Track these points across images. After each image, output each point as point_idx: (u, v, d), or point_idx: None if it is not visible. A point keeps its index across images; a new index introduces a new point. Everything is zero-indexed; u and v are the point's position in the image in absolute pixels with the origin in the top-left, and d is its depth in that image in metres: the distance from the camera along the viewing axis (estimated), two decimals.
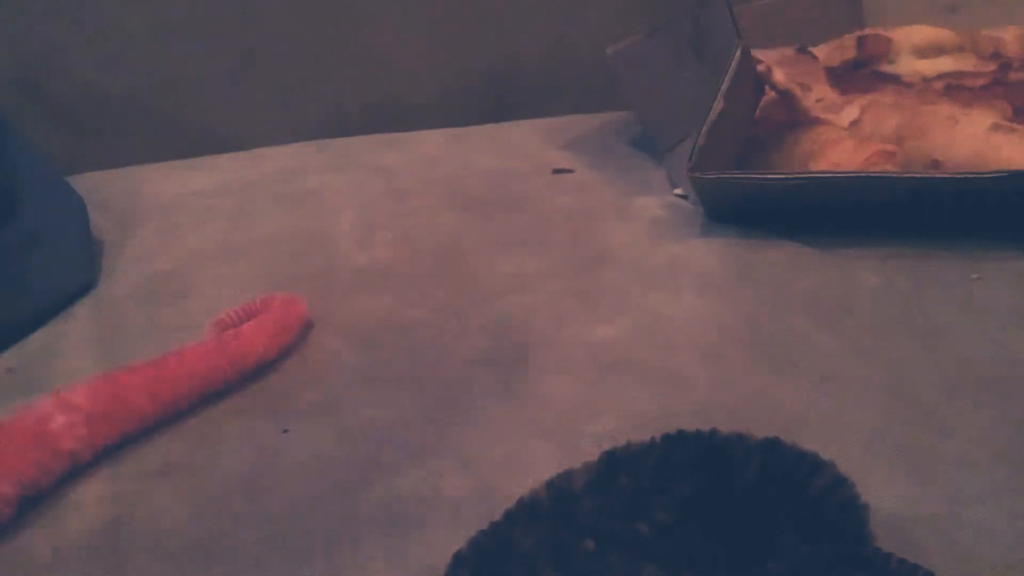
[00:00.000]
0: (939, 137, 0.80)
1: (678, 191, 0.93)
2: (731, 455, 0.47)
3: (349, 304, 0.77)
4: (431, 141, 1.16)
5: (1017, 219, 0.74)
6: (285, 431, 0.62)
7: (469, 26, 1.31)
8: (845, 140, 0.83)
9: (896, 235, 0.78)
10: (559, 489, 0.46)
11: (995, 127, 0.78)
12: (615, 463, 0.47)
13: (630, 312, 0.71)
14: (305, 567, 0.51)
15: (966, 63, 0.99)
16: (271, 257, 0.87)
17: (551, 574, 0.44)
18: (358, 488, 0.56)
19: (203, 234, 0.92)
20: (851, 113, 0.88)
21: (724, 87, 0.80)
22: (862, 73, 1.00)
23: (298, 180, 1.05)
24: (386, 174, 1.05)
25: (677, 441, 0.48)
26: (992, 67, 0.97)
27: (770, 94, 0.89)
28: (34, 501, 0.57)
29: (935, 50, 1.02)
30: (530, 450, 0.58)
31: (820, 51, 1.05)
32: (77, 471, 0.59)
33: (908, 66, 1.00)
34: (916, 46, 1.02)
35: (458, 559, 0.44)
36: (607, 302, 0.74)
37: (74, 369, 0.71)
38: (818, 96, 0.94)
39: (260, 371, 0.68)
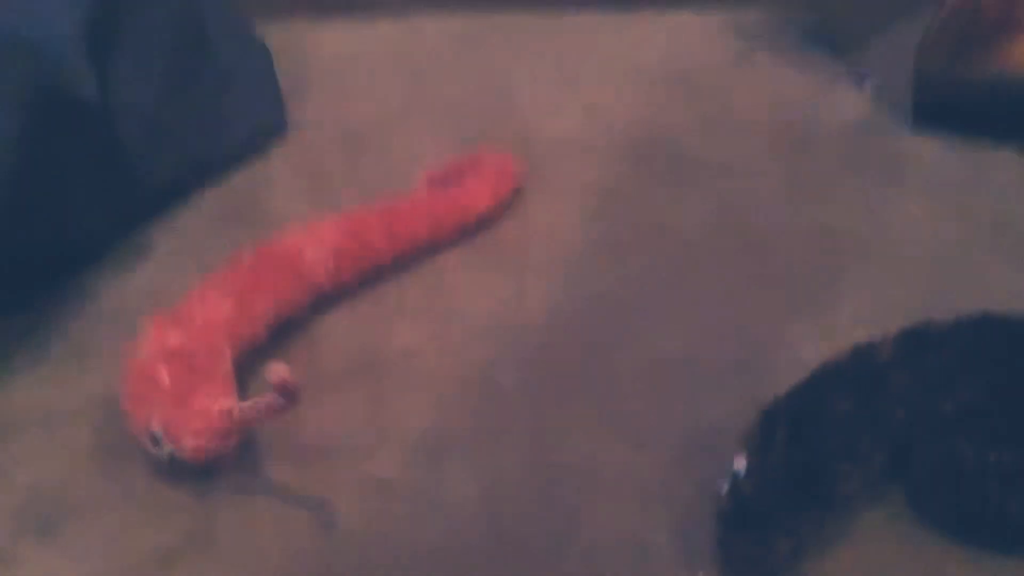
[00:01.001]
0: None
1: (869, 86, 0.90)
2: None
3: (555, 171, 0.76)
4: (589, 22, 1.13)
5: None
6: None
7: None
8: None
9: None
10: (865, 359, 0.46)
11: None
12: (920, 340, 0.46)
13: (856, 200, 0.70)
14: (573, 411, 0.51)
15: None
16: (459, 120, 0.85)
17: (866, 437, 0.44)
18: (611, 347, 0.56)
19: (383, 92, 0.91)
20: None
21: None
22: None
23: (466, 49, 1.02)
24: (555, 51, 1.02)
25: (984, 323, 0.47)
26: None
27: None
28: (284, 329, 0.57)
29: None
30: (784, 324, 0.57)
31: None
32: (321, 305, 0.59)
33: None
34: None
35: (769, 415, 0.43)
36: (825, 190, 0.72)
37: (286, 208, 0.71)
38: None
39: (479, 228, 0.68)
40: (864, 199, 0.70)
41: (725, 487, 0.42)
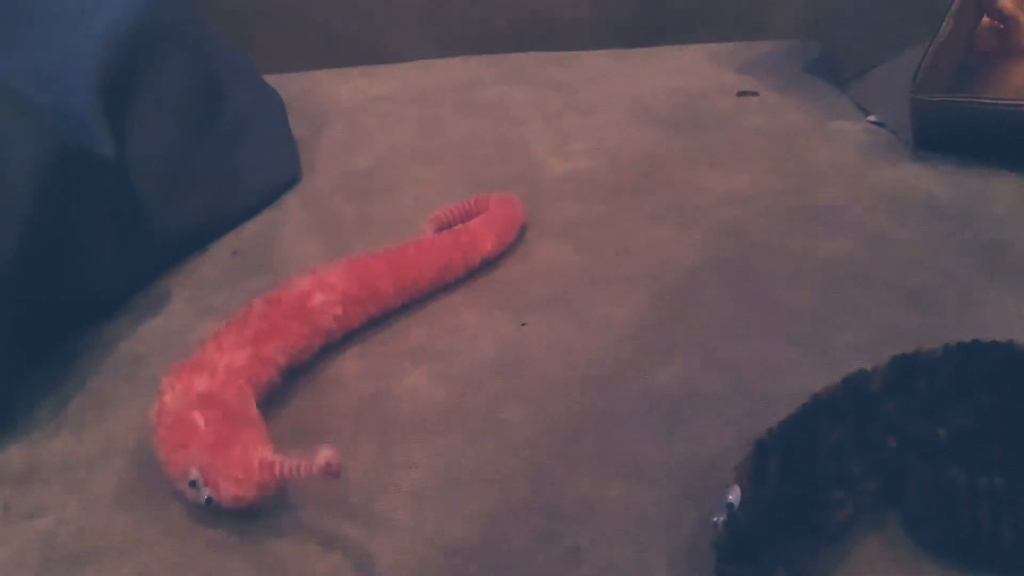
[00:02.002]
0: None
1: (872, 118, 0.91)
2: None
3: (559, 209, 0.77)
4: (597, 60, 1.15)
5: None
6: (524, 324, 0.63)
7: None
8: None
9: None
10: (857, 388, 0.47)
11: None
12: (911, 367, 0.47)
13: (856, 230, 0.71)
14: (575, 447, 0.52)
15: None
16: (467, 161, 0.88)
17: (858, 465, 0.44)
18: (611, 380, 0.57)
19: (394, 137, 0.93)
20: None
21: (955, 7, 0.77)
22: None
23: (476, 91, 1.05)
24: (564, 89, 1.04)
25: (975, 350, 0.47)
26: None
27: (984, 21, 0.86)
28: (295, 374, 0.59)
29: None
30: (782, 354, 0.58)
31: None
32: (330, 348, 0.61)
33: None
34: None
35: (762, 447, 0.44)
36: (828, 219, 0.73)
37: (299, 255, 0.73)
38: None
39: (484, 267, 0.69)
40: (864, 228, 0.71)
41: (721, 519, 0.43)
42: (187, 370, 0.53)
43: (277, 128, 0.89)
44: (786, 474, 0.43)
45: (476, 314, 0.64)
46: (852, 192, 0.76)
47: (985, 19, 0.86)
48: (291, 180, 0.84)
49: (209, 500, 0.47)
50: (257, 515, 0.49)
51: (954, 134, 0.79)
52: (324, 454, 0.44)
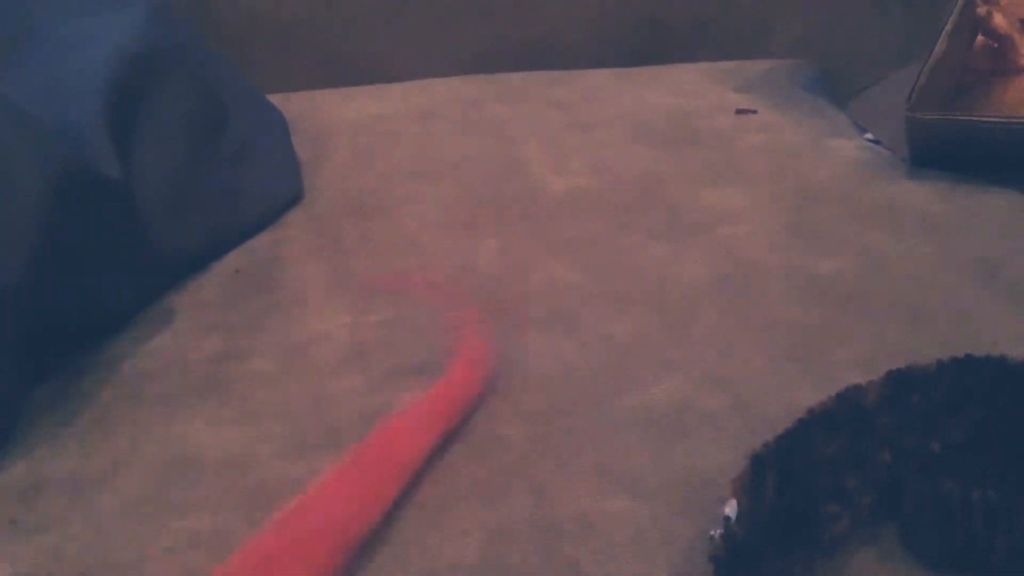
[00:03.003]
0: None
1: (869, 136, 0.92)
2: None
3: (559, 226, 0.78)
4: (597, 79, 1.16)
5: None
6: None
7: None
8: None
9: None
10: (851, 403, 0.47)
11: None
12: (905, 382, 0.48)
13: (852, 247, 0.71)
14: (574, 462, 0.53)
15: None
16: (468, 180, 0.88)
17: (854, 479, 0.45)
18: (611, 396, 0.58)
19: (395, 156, 0.94)
20: None
21: (949, 27, 0.78)
22: None
23: (475, 110, 1.06)
24: (564, 108, 1.05)
25: (968, 365, 0.48)
26: None
27: (979, 41, 0.87)
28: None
29: None
30: (779, 370, 0.59)
31: None
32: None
33: None
34: None
35: (758, 461, 0.45)
36: (825, 237, 0.73)
37: (301, 273, 0.74)
38: None
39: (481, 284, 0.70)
40: (861, 245, 0.72)
41: (718, 532, 0.43)
42: None
43: (280, 147, 0.90)
44: (782, 488, 0.44)
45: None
46: (849, 209, 0.77)
47: (980, 38, 0.87)
48: (294, 199, 0.85)
49: None
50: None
51: (949, 152, 0.80)
52: None
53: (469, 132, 0.99)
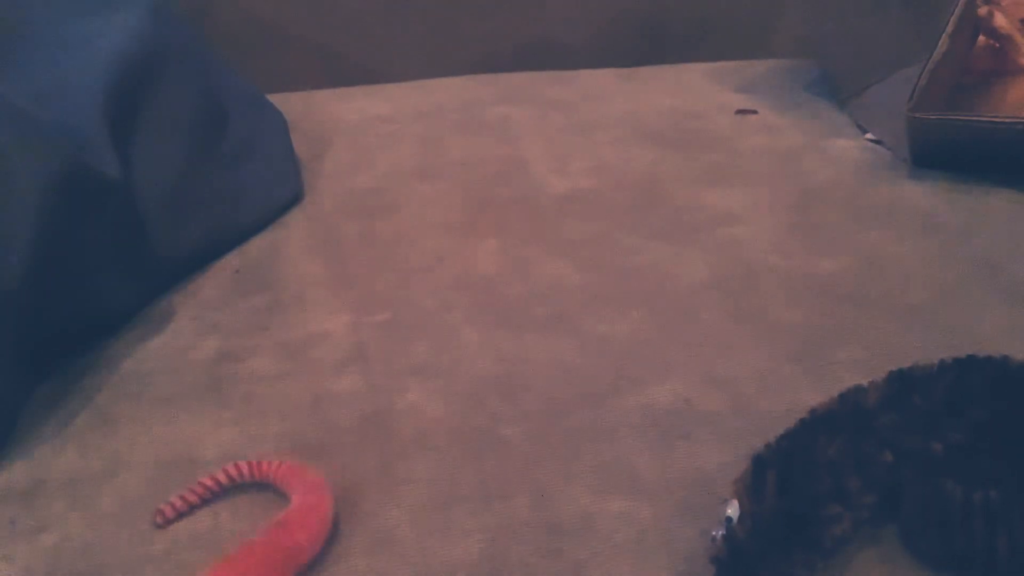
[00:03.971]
0: None
1: (870, 136, 0.92)
2: None
3: (560, 227, 0.78)
4: (598, 79, 1.16)
5: None
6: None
7: None
8: None
9: None
10: (853, 403, 0.47)
11: None
12: (906, 383, 0.48)
13: (853, 247, 0.71)
14: (575, 463, 0.53)
15: None
16: (468, 180, 0.88)
17: (855, 480, 0.45)
18: (611, 396, 0.58)
19: (395, 156, 0.94)
20: None
21: (950, 28, 0.78)
22: None
23: (476, 110, 1.06)
24: (564, 108, 1.05)
25: (969, 366, 0.48)
26: None
27: (980, 41, 0.87)
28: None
29: None
30: (780, 371, 0.58)
31: None
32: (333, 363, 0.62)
33: None
34: None
35: (760, 462, 0.45)
36: (825, 237, 0.73)
37: (301, 273, 0.74)
38: None
39: (482, 286, 0.70)
40: (861, 245, 0.72)
41: (720, 533, 0.43)
42: None
43: (280, 147, 0.90)
44: (784, 489, 0.44)
45: (477, 332, 0.65)
46: (849, 209, 0.77)
47: (981, 38, 0.87)
48: (294, 199, 0.85)
49: None
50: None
51: (950, 152, 0.80)
52: None
53: (469, 132, 0.99)
